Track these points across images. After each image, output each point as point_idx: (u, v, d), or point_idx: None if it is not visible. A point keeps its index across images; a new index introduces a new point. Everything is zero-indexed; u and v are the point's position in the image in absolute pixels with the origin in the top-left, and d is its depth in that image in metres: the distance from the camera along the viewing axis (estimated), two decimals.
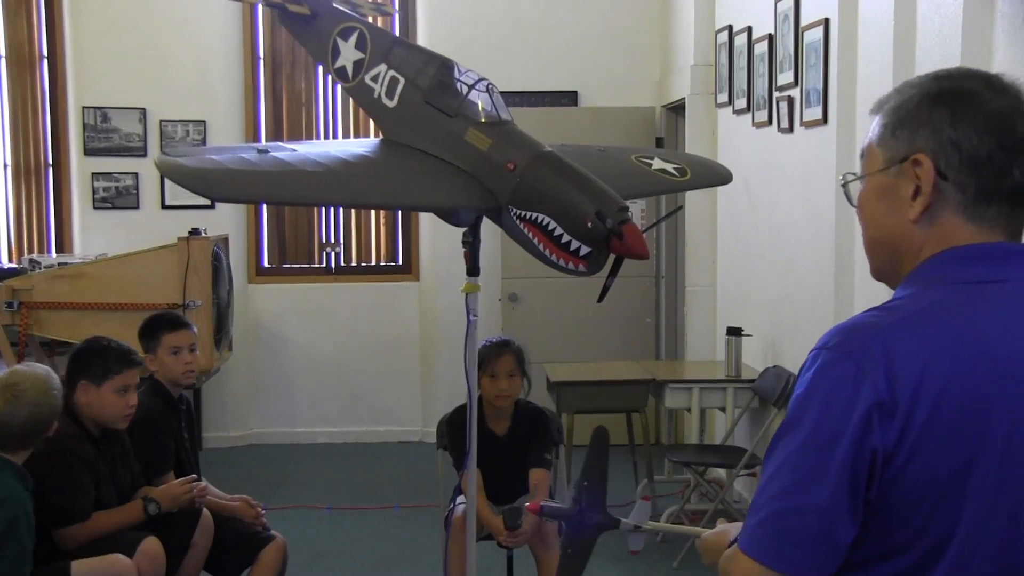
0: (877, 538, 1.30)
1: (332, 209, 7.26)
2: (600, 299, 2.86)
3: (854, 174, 1.49)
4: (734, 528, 1.54)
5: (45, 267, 6.01)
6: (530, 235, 2.93)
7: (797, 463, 1.30)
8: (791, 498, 1.29)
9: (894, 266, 1.42)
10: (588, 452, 2.09)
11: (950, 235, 1.36)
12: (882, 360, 1.26)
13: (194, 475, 3.66)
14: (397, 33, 7.24)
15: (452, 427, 3.80)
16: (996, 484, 1.27)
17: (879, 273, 1.47)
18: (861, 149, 1.48)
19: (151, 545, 3.28)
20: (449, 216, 3.23)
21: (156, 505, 3.40)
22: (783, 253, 4.99)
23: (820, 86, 4.43)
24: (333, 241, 7.33)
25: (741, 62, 5.54)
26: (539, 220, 2.90)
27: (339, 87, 3.29)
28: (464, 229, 3.23)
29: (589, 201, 2.79)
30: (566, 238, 2.82)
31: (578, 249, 2.82)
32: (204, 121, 7.00)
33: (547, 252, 2.91)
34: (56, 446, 3.26)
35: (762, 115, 5.21)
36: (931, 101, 1.36)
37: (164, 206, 6.99)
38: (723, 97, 5.88)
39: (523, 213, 2.93)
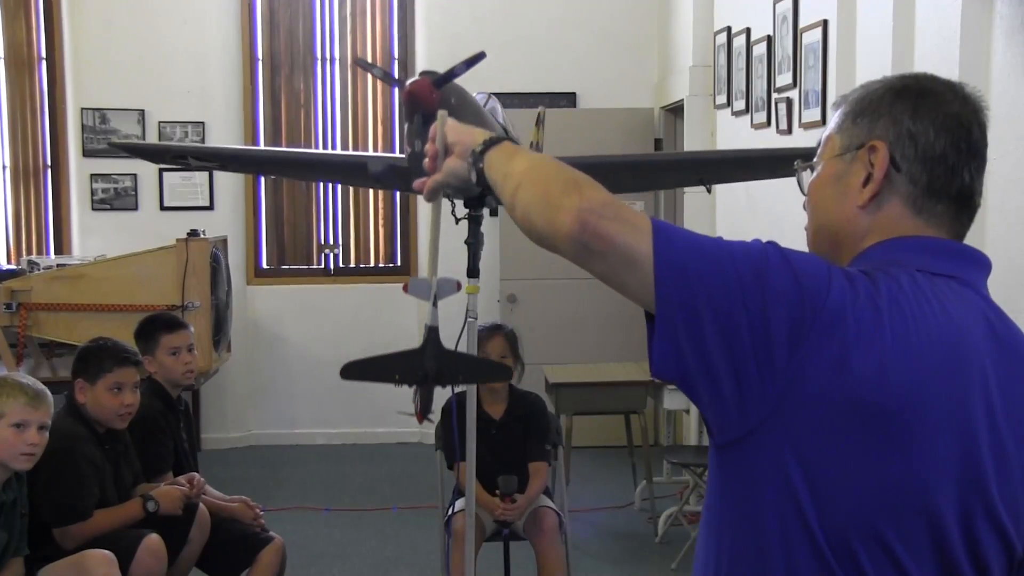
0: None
1: (331, 211, 7.28)
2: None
3: (808, 162, 1.49)
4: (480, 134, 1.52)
5: (44, 268, 6.01)
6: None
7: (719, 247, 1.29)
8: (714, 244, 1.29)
9: (835, 253, 1.42)
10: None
11: (895, 225, 1.37)
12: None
13: (195, 474, 3.68)
14: (395, 35, 7.25)
15: (446, 415, 3.82)
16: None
17: None
18: (819, 139, 1.47)
19: (153, 542, 3.30)
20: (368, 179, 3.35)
21: (155, 503, 3.42)
22: None
23: (819, 88, 4.43)
24: (332, 242, 7.33)
25: (740, 63, 5.54)
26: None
27: None
28: (464, 232, 3.25)
29: None
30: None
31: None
32: (203, 122, 6.99)
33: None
34: (64, 446, 3.28)
35: (761, 116, 5.21)
36: (894, 94, 1.38)
37: (163, 207, 6.99)
38: (722, 99, 5.88)
39: None
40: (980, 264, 1.39)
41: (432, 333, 2.00)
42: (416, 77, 2.51)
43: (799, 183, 1.52)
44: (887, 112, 1.37)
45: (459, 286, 2.21)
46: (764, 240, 1.31)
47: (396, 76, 2.78)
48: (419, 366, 1.99)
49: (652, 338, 1.26)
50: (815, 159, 1.47)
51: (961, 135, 1.36)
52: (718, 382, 1.25)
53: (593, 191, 1.29)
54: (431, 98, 2.37)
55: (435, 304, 2.04)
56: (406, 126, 2.71)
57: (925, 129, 1.35)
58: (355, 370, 2.02)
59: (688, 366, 1.26)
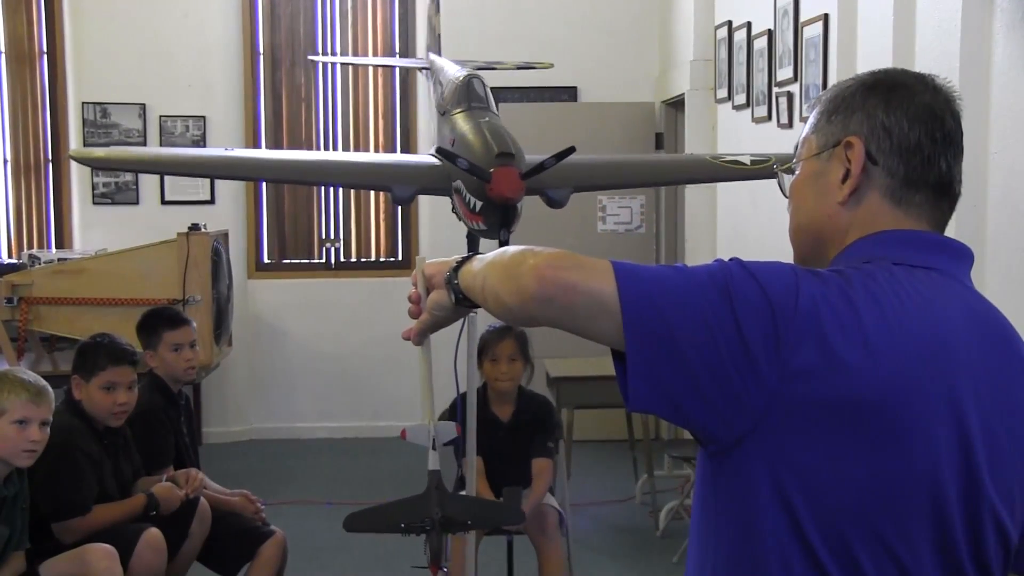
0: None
1: (332, 205, 7.28)
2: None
3: (788, 164, 1.50)
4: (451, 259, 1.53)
5: (45, 263, 6.02)
6: (455, 203, 2.95)
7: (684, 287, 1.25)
8: (672, 280, 1.25)
9: (819, 251, 1.43)
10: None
11: (876, 219, 1.38)
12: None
13: (193, 469, 3.68)
14: (396, 29, 7.24)
15: (451, 413, 3.82)
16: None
17: (803, 261, 1.48)
18: (796, 142, 1.49)
19: (153, 536, 3.30)
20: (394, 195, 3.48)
21: (155, 505, 3.41)
22: (783, 248, 4.97)
23: (819, 82, 4.43)
24: (333, 236, 7.34)
25: (741, 57, 5.54)
26: (458, 186, 2.92)
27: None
28: (463, 226, 3.26)
29: (477, 153, 2.73)
30: (468, 197, 2.80)
31: (475, 206, 2.78)
32: (204, 116, 7.00)
33: (463, 216, 2.90)
34: (62, 441, 3.28)
35: (761, 110, 5.21)
36: (866, 89, 1.40)
37: (164, 201, 7.00)
38: (723, 92, 5.88)
39: (453, 184, 2.96)
40: (961, 255, 1.40)
41: (435, 478, 1.97)
42: (500, 166, 2.48)
43: (780, 186, 1.53)
44: (860, 107, 1.38)
45: (457, 429, 2.18)
46: (727, 258, 1.31)
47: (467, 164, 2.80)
48: (424, 513, 1.94)
49: (625, 375, 1.26)
50: (794, 161, 1.48)
51: (935, 125, 1.37)
52: (703, 402, 1.25)
53: (544, 250, 1.30)
54: (520, 193, 2.35)
55: (435, 448, 2.01)
56: (477, 204, 2.72)
57: (899, 121, 1.36)
58: (359, 521, 1.99)
59: (669, 396, 1.26)
